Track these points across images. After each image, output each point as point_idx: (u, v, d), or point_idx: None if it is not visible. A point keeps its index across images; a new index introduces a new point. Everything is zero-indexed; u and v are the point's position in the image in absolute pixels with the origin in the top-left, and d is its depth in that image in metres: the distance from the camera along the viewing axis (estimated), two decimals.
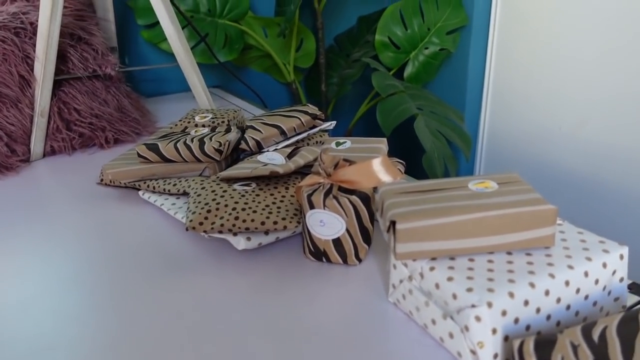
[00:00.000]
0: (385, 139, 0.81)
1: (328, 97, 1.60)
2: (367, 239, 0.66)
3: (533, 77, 1.41)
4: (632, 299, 0.58)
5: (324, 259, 0.66)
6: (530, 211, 0.51)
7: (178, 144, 0.82)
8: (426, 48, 1.49)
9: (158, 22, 1.33)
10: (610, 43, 1.23)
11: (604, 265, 0.51)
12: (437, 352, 0.51)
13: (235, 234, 0.66)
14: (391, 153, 1.88)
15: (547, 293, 0.48)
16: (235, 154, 0.89)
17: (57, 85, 1.04)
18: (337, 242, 0.65)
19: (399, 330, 0.54)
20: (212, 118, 0.95)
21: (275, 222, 0.66)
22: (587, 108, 1.30)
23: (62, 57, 1.04)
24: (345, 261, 0.66)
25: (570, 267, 0.50)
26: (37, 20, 1.01)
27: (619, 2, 1.19)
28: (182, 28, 1.36)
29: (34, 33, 1.01)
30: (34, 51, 1.00)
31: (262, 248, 0.70)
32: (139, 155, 0.83)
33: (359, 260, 0.66)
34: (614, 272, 0.52)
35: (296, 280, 0.64)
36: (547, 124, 1.40)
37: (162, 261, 0.68)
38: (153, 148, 0.82)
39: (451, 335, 0.49)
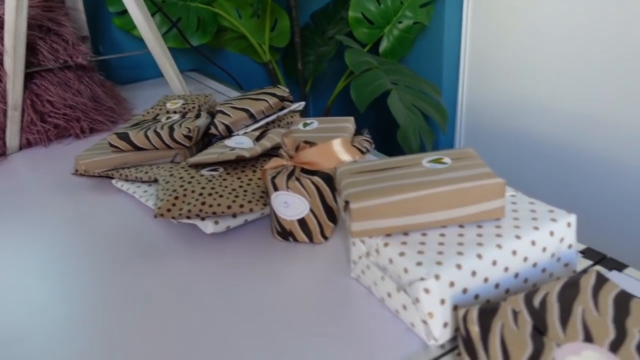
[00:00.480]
0: (352, 118, 0.83)
1: (305, 76, 1.61)
2: (332, 217, 0.68)
3: (508, 48, 1.42)
4: (585, 264, 0.60)
5: (290, 239, 0.68)
6: (479, 185, 0.52)
7: (148, 132, 0.83)
8: (400, 22, 1.49)
9: None
10: (583, 14, 1.23)
11: (552, 233, 0.53)
12: (394, 324, 0.53)
13: (203, 219, 0.68)
14: (369, 129, 1.89)
15: (494, 263, 0.50)
16: (207, 139, 0.90)
17: (28, 77, 1.04)
18: (302, 222, 0.67)
19: (360, 304, 0.57)
20: (183, 104, 0.97)
21: (241, 206, 0.68)
22: (561, 78, 1.31)
23: (31, 50, 1.05)
24: (311, 240, 0.68)
25: (518, 237, 0.52)
26: (3, 14, 1.01)
27: None
28: (153, 14, 1.36)
29: (1, 27, 1.02)
30: (2, 45, 1.00)
31: (232, 231, 0.72)
32: (111, 145, 0.84)
33: (325, 238, 0.68)
34: (561, 240, 0.54)
35: (264, 261, 0.66)
36: (523, 95, 1.42)
37: (134, 248, 0.70)
38: (124, 137, 0.83)
39: (405, 307, 0.51)
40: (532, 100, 1.40)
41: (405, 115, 1.21)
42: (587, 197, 1.34)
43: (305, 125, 0.81)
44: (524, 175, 1.49)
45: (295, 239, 0.68)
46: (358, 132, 0.83)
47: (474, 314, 0.45)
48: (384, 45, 1.50)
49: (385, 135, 1.83)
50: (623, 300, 0.45)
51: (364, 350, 0.50)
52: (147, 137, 0.82)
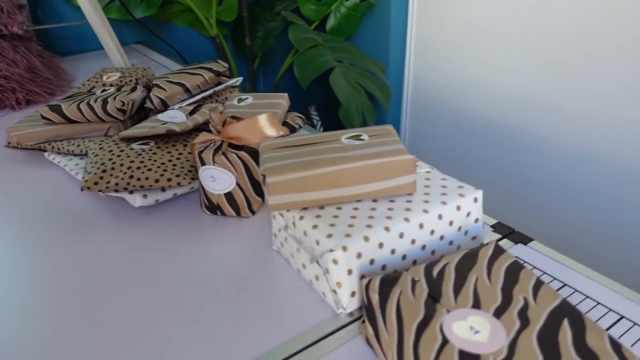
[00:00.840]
0: (286, 95, 0.84)
1: (253, 51, 1.61)
2: (259, 192, 0.70)
3: (453, 28, 1.45)
4: (494, 238, 0.64)
5: (218, 213, 0.70)
6: (391, 161, 0.55)
7: (81, 105, 0.83)
8: (347, 0, 1.50)
9: None
10: None
11: (458, 208, 0.56)
12: (309, 293, 0.56)
13: (131, 192, 0.69)
14: (318, 106, 1.90)
15: (401, 235, 0.53)
16: (143, 113, 0.90)
17: None
18: (229, 196, 0.68)
19: (279, 275, 0.59)
20: (120, 77, 0.96)
21: (169, 179, 0.69)
22: (500, 58, 1.35)
23: None
24: (238, 214, 0.70)
25: (426, 211, 0.54)
26: None
27: None
28: None
29: None
30: None
31: (162, 204, 0.73)
32: (43, 117, 0.83)
33: (253, 212, 0.70)
34: (468, 214, 0.57)
35: (192, 234, 0.67)
36: (467, 74, 1.45)
37: (63, 220, 0.70)
38: (56, 109, 0.83)
39: (317, 278, 0.54)
40: (475, 79, 1.44)
41: (347, 93, 1.23)
42: (523, 174, 1.39)
43: (240, 100, 0.82)
44: (466, 151, 1.54)
45: (223, 213, 0.70)
46: (300, 109, 0.84)
47: (376, 283, 0.48)
48: (330, 22, 1.51)
49: (333, 112, 1.85)
50: (514, 269, 0.48)
51: (280, 319, 0.53)
52: (80, 109, 0.82)
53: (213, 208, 0.70)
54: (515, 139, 1.38)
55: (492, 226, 0.66)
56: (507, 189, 1.44)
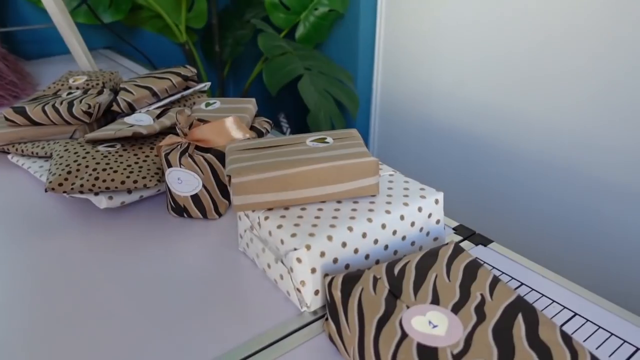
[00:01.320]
0: (253, 99, 0.85)
1: (223, 58, 1.61)
2: (226, 194, 0.70)
3: (420, 38, 1.48)
4: (455, 239, 0.66)
5: (185, 215, 0.70)
6: (354, 163, 0.56)
7: (46, 107, 0.82)
8: (316, 9, 1.52)
9: None
10: (489, 6, 1.30)
11: (420, 209, 0.58)
12: (274, 293, 0.56)
13: (97, 194, 0.69)
14: (287, 114, 1.91)
15: (364, 235, 0.54)
16: (110, 116, 0.90)
17: None
18: (196, 198, 0.68)
19: (244, 275, 0.59)
20: (86, 80, 0.95)
21: (135, 181, 0.69)
22: (466, 68, 1.39)
23: None
24: (205, 216, 0.70)
25: (388, 211, 0.56)
26: None
27: None
28: None
29: None
30: None
31: (128, 206, 0.73)
32: (7, 119, 0.82)
33: (219, 214, 0.70)
34: (429, 215, 0.59)
35: (159, 236, 0.67)
36: (434, 83, 1.48)
37: (27, 223, 0.69)
38: (20, 111, 0.82)
39: (282, 277, 0.55)
40: (440, 88, 1.47)
41: (316, 100, 1.25)
42: (485, 179, 1.43)
43: (208, 105, 0.83)
44: (433, 157, 1.57)
45: (189, 215, 0.70)
46: (269, 116, 0.85)
47: (338, 281, 0.49)
48: (300, 31, 1.53)
49: (302, 119, 1.86)
50: (472, 267, 0.50)
51: (245, 317, 0.53)
52: (44, 111, 0.81)
53: (179, 210, 0.70)
54: (478, 146, 1.41)
55: (453, 228, 0.68)
56: (470, 193, 1.47)
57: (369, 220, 0.55)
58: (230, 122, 0.67)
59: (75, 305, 0.55)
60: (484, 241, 0.65)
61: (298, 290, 0.53)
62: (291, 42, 1.41)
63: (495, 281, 0.48)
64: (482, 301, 0.46)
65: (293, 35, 1.56)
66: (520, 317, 0.44)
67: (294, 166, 0.55)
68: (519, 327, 0.43)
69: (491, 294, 0.46)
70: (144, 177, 0.70)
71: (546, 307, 0.54)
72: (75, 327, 0.52)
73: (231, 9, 1.66)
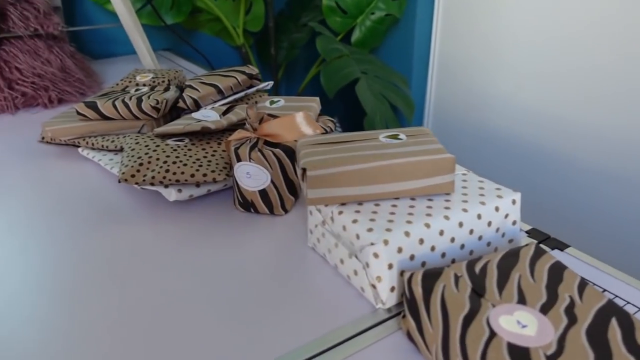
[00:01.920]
0: (317, 98, 0.85)
1: (278, 61, 1.62)
2: (292, 190, 0.70)
3: (476, 44, 1.46)
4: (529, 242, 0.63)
5: (252, 210, 0.70)
6: (431, 160, 0.55)
7: (116, 102, 0.84)
8: (372, 13, 1.51)
9: None
10: (549, 14, 1.28)
11: (497, 209, 0.56)
12: (346, 289, 0.56)
13: (166, 186, 0.69)
14: (340, 117, 1.91)
15: (441, 233, 0.53)
16: (175, 112, 0.91)
17: None
18: (264, 193, 0.68)
19: (315, 270, 0.59)
20: (153, 77, 0.97)
21: (204, 175, 0.69)
22: (524, 76, 1.36)
23: (1, 16, 1.04)
24: (272, 211, 0.70)
25: (465, 210, 0.54)
26: None
27: None
28: None
29: None
30: None
31: (195, 200, 0.74)
32: (78, 113, 0.85)
33: (285, 210, 0.70)
34: (506, 216, 0.57)
35: (226, 230, 0.67)
36: (490, 89, 1.46)
37: (98, 214, 0.71)
38: (92, 106, 0.84)
39: (356, 273, 0.54)
40: (497, 96, 1.44)
41: (372, 103, 1.24)
42: (542, 185, 1.39)
43: (272, 103, 0.83)
44: (486, 166, 1.54)
45: (256, 210, 0.70)
46: (328, 117, 0.85)
47: (418, 277, 0.48)
48: (356, 35, 1.53)
49: (354, 123, 1.86)
50: (557, 269, 0.48)
51: (317, 313, 0.52)
52: (115, 106, 0.83)
53: (246, 205, 0.70)
54: (536, 154, 1.38)
55: (527, 232, 0.66)
56: (525, 202, 1.44)
57: (446, 217, 0.53)
58: (300, 118, 0.67)
59: (145, 296, 0.55)
60: (560, 245, 0.63)
61: (373, 286, 0.52)
62: (347, 46, 1.40)
63: (583, 284, 0.46)
64: (572, 303, 0.44)
65: (349, 39, 1.55)
66: (614, 321, 0.42)
67: (370, 161, 0.54)
68: (614, 331, 0.41)
69: (580, 297, 0.45)
70: (212, 171, 0.70)
71: (634, 313, 0.52)
72: (146, 317, 0.52)
73: (287, 13, 1.67)
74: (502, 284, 0.46)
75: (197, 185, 0.71)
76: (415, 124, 1.67)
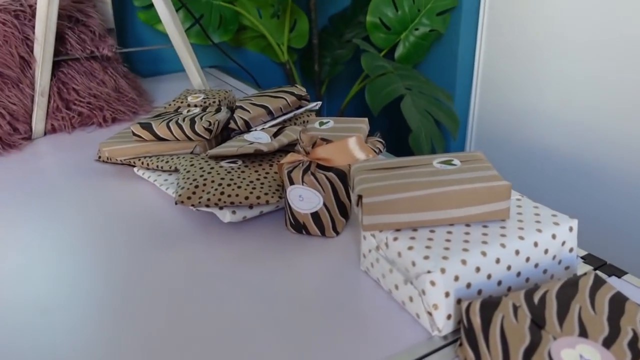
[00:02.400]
0: (366, 119, 0.85)
1: (321, 77, 1.64)
2: (344, 213, 0.71)
3: (521, 59, 1.45)
4: (585, 269, 0.63)
5: (303, 232, 0.71)
6: (487, 187, 0.55)
7: (170, 123, 0.86)
8: (416, 29, 1.52)
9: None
10: (596, 27, 1.26)
11: (554, 236, 0.56)
12: (400, 314, 0.56)
13: (221, 208, 0.71)
14: (382, 132, 1.92)
15: (497, 261, 0.53)
16: (225, 133, 0.93)
17: (56, 66, 1.08)
18: (316, 216, 0.70)
19: (368, 295, 0.59)
20: (204, 98, 1.00)
21: (258, 197, 0.71)
22: (571, 91, 1.34)
23: (60, 39, 1.08)
24: (323, 233, 0.71)
25: (521, 237, 0.54)
26: (35, 3, 1.05)
27: None
28: (177, 10, 1.40)
29: (33, 15, 1.05)
30: (34, 33, 1.04)
31: (247, 221, 0.75)
32: (134, 134, 0.87)
33: (337, 232, 0.71)
34: (563, 243, 0.57)
35: (278, 251, 0.69)
36: (534, 106, 1.44)
37: (153, 233, 0.73)
38: (147, 127, 0.87)
39: (411, 299, 0.54)
40: (541, 111, 1.42)
41: (417, 120, 1.24)
42: (592, 206, 1.36)
43: (322, 124, 0.84)
44: (531, 183, 1.51)
45: (308, 232, 0.71)
46: (370, 134, 0.86)
47: (476, 306, 0.48)
48: (399, 50, 1.53)
49: (396, 138, 1.86)
50: (618, 301, 0.48)
51: (371, 340, 0.53)
52: (169, 128, 0.86)
53: (299, 227, 0.71)
54: (584, 171, 1.35)
55: (582, 257, 0.65)
56: (581, 222, 1.41)
57: (502, 245, 0.53)
58: (353, 143, 0.68)
59: (199, 315, 0.57)
60: (617, 272, 0.62)
61: (429, 313, 0.52)
62: (391, 62, 1.41)
63: None
64: (635, 337, 0.43)
65: (392, 55, 1.56)
66: None
67: (425, 188, 0.55)
68: None
69: None
70: (266, 194, 0.71)
71: None
72: (199, 338, 0.54)
73: (330, 29, 1.68)
74: (562, 316, 0.46)
75: (250, 207, 0.73)
76: (458, 139, 1.66)
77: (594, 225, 1.37)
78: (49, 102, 1.07)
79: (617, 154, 1.27)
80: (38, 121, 1.06)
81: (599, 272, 0.62)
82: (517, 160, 1.54)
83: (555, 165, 1.43)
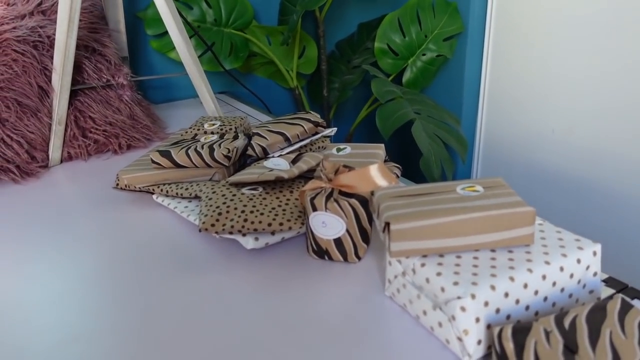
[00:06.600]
0: (382, 145, 0.87)
1: (330, 102, 1.66)
2: (365, 238, 0.72)
3: (526, 83, 1.47)
4: (608, 292, 0.63)
5: (326, 257, 0.72)
6: (511, 213, 0.56)
7: (189, 151, 0.88)
8: (424, 54, 1.54)
9: (167, 32, 1.39)
10: (601, 51, 1.28)
11: (579, 261, 0.57)
12: (428, 340, 0.57)
13: (244, 235, 0.72)
14: (390, 156, 1.93)
15: (525, 286, 0.54)
16: (243, 159, 0.95)
17: (73, 94, 1.10)
18: (338, 242, 0.70)
19: (394, 321, 0.60)
20: (220, 125, 1.01)
21: (281, 224, 0.72)
22: (577, 113, 1.36)
23: (77, 68, 1.10)
24: (345, 259, 0.72)
25: (547, 262, 0.55)
26: (54, 34, 1.07)
27: (610, 11, 1.25)
28: (190, 37, 1.42)
29: (51, 46, 1.07)
30: (52, 63, 1.06)
31: (269, 247, 0.76)
32: (153, 162, 0.89)
33: (359, 258, 0.72)
34: (587, 267, 0.58)
35: (300, 277, 0.69)
36: (540, 128, 1.46)
37: (175, 260, 0.74)
38: (166, 154, 0.88)
39: (440, 325, 0.55)
40: (548, 135, 1.44)
41: (428, 144, 1.26)
42: (601, 230, 1.37)
43: (339, 150, 0.85)
44: (539, 206, 1.52)
45: (330, 258, 0.72)
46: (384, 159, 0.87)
47: (508, 332, 0.48)
48: (407, 75, 1.55)
49: (404, 162, 1.88)
50: None
51: None
52: (188, 155, 0.87)
53: (321, 253, 0.72)
54: (594, 194, 1.36)
55: (604, 280, 0.66)
56: None
57: (529, 270, 0.54)
58: (375, 170, 0.69)
59: (220, 341, 0.57)
60: (639, 295, 0.63)
61: (459, 339, 0.53)
62: (400, 87, 1.43)
63: None
64: None
65: (399, 80, 1.58)
66: None
67: (451, 214, 0.56)
68: None
69: None
70: (288, 220, 0.72)
71: None
72: None
73: (337, 55, 1.71)
74: (594, 340, 0.47)
75: (273, 233, 0.73)
76: (466, 163, 1.68)
77: (611, 247, 1.38)
78: (65, 130, 1.08)
79: (625, 176, 1.28)
80: (55, 149, 1.07)
81: (624, 296, 0.62)
82: (523, 182, 1.55)
83: (561, 186, 1.44)
